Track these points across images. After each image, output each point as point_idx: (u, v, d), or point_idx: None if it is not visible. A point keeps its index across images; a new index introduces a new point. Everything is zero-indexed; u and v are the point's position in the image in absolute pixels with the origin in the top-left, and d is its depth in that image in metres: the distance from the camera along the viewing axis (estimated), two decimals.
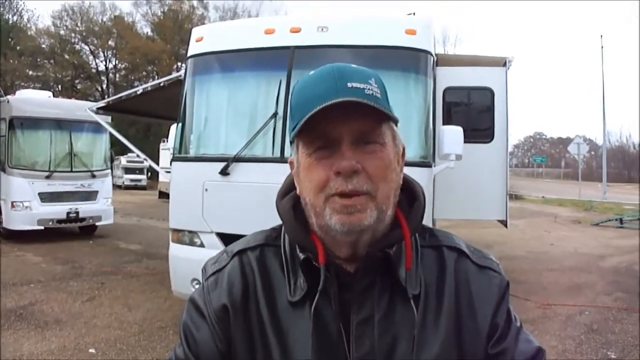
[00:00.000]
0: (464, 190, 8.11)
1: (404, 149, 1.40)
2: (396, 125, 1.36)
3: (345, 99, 1.20)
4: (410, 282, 1.32)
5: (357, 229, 1.25)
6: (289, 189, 1.43)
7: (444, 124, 7.27)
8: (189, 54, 7.59)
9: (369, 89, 1.25)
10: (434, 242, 1.44)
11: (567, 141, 72.91)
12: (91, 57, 65.66)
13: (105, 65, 66.29)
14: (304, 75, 1.34)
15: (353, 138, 1.25)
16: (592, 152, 76.63)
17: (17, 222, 15.13)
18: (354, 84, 1.24)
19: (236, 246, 1.46)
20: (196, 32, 7.67)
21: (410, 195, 1.42)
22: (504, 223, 9.27)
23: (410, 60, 6.77)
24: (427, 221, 5.19)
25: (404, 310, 1.30)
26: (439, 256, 1.41)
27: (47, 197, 15.59)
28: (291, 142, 1.35)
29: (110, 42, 65.10)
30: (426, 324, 1.32)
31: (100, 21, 65.54)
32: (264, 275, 1.38)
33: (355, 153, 1.24)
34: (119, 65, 67.08)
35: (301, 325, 1.30)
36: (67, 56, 62.28)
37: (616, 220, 22.94)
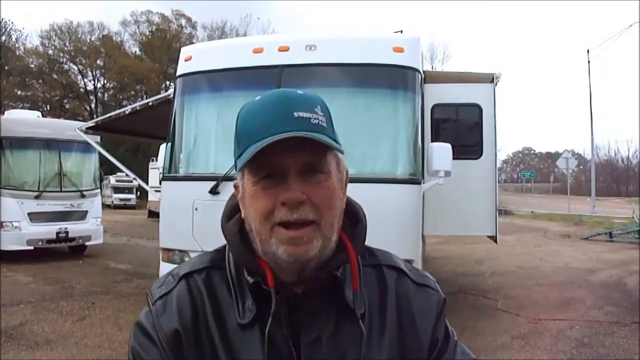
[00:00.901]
0: (453, 206, 8.13)
1: (347, 174, 1.42)
2: (342, 154, 1.37)
3: (291, 134, 1.22)
4: (356, 302, 1.35)
5: (303, 260, 1.28)
6: (233, 211, 1.44)
7: (432, 140, 7.30)
8: (177, 74, 7.62)
9: (315, 118, 1.28)
10: (374, 261, 1.48)
11: (555, 156, 73.33)
12: (80, 77, 66.03)
13: (94, 85, 66.60)
14: (250, 100, 1.36)
15: (299, 169, 1.27)
16: (581, 167, 77.02)
17: (7, 242, 14.97)
18: (300, 114, 1.27)
19: (181, 269, 1.46)
20: (185, 51, 7.69)
21: (352, 217, 1.44)
22: (493, 239, 9.30)
23: (398, 77, 6.82)
24: (417, 237, 5.20)
25: (351, 329, 1.33)
26: (379, 275, 1.45)
27: (36, 217, 15.48)
28: (237, 169, 1.35)
29: (98, 62, 65.35)
30: (372, 341, 1.35)
31: (88, 41, 65.91)
32: (212, 298, 1.38)
33: (301, 184, 1.26)
34: (108, 84, 67.36)
35: (252, 347, 1.31)
36: (55, 76, 62.46)
37: (606, 234, 22.96)
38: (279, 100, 1.29)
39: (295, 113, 1.26)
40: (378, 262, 1.47)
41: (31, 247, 15.33)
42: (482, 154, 8.37)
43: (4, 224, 14.96)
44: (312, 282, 1.33)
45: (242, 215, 1.38)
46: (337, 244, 1.35)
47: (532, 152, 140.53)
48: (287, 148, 1.24)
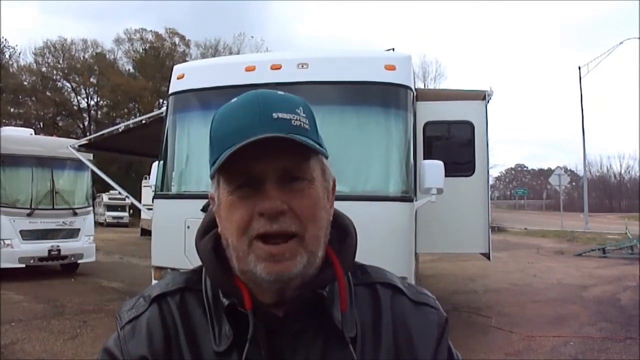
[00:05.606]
0: (446, 224, 8.12)
1: (334, 183, 1.31)
2: (326, 158, 1.27)
3: (269, 134, 1.12)
4: (346, 324, 1.23)
5: (284, 278, 1.16)
6: (209, 227, 1.32)
7: (424, 158, 7.31)
8: (170, 92, 7.63)
9: (296, 120, 1.17)
10: (367, 279, 1.35)
11: (548, 172, 73.60)
12: (73, 95, 65.76)
13: (87, 103, 66.42)
14: (226, 103, 1.25)
15: (278, 175, 1.16)
16: (574, 183, 77.05)
17: None
18: (280, 115, 1.16)
19: (154, 290, 1.32)
20: (177, 69, 7.70)
21: (341, 230, 1.32)
22: (486, 256, 9.29)
23: (390, 95, 6.84)
24: (409, 255, 5.17)
25: (340, 354, 1.20)
26: (373, 294, 1.32)
27: (28, 235, 15.42)
28: (211, 177, 1.24)
29: (92, 80, 65.22)
30: None
31: (82, 58, 65.79)
32: (186, 324, 1.25)
33: (280, 192, 1.15)
34: (101, 102, 67.22)
35: None
36: (48, 93, 62.29)
37: (599, 250, 22.98)
38: (256, 101, 1.19)
39: (274, 114, 1.15)
40: (371, 280, 1.34)
41: (23, 265, 15.27)
42: (474, 171, 8.39)
43: None
44: (294, 303, 1.20)
45: (219, 230, 1.25)
46: (323, 260, 1.23)
47: (525, 169, 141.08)
48: (266, 152, 1.13)
